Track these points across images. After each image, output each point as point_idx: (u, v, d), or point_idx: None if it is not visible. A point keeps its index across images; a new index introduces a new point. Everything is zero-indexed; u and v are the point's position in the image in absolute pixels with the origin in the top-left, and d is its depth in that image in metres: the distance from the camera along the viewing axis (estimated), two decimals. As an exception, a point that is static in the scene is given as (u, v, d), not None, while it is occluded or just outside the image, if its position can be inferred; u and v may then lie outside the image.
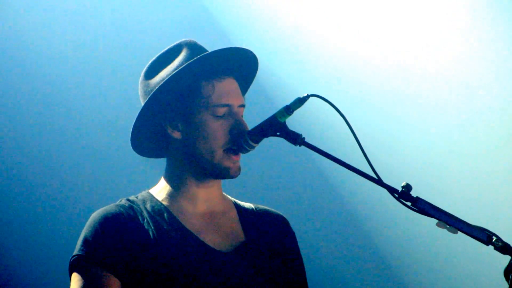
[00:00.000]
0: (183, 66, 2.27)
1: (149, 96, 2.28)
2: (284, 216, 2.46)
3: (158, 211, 2.26)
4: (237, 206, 2.41)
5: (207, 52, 2.30)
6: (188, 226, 2.26)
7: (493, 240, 1.97)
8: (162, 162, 2.38)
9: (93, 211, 2.26)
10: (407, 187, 2.03)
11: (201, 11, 4.49)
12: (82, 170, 4.32)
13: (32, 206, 4.25)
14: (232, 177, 2.30)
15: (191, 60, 2.28)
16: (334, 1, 4.60)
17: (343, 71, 4.60)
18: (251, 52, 2.35)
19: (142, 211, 2.25)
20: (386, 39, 4.57)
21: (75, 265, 2.18)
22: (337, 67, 4.60)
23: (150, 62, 2.35)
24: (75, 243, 2.21)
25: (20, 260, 4.22)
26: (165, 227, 2.23)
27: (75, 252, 2.19)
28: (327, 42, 4.58)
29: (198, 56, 2.28)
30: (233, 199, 2.42)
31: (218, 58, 2.30)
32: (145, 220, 2.23)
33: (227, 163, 2.26)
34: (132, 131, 2.32)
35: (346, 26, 4.58)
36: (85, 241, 2.19)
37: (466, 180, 4.50)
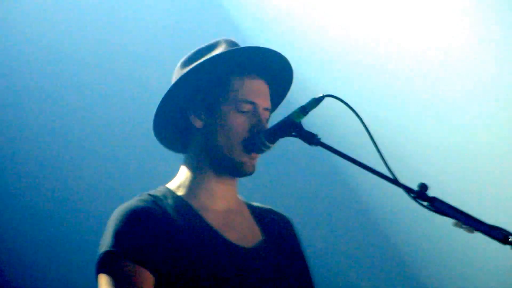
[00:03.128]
0: (216, 55, 2.29)
1: (174, 82, 2.30)
2: (288, 216, 2.48)
3: (180, 206, 2.26)
4: (248, 205, 2.42)
5: (239, 47, 2.32)
6: (210, 222, 2.26)
7: (510, 240, 1.97)
8: (167, 165, 2.38)
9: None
10: (424, 187, 2.02)
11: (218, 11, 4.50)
12: (94, 171, 4.32)
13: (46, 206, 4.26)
14: (246, 174, 2.31)
15: (225, 51, 2.29)
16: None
17: (358, 69, 4.60)
18: (288, 62, 2.36)
19: (165, 206, 2.25)
20: (403, 36, 4.56)
21: (105, 262, 2.14)
22: (352, 66, 4.59)
23: (189, 53, 2.37)
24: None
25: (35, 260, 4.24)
26: (188, 222, 2.23)
27: (104, 248, 2.15)
28: (342, 41, 4.58)
29: (233, 48, 2.30)
30: (243, 198, 2.43)
31: (251, 57, 2.32)
32: (169, 215, 2.23)
33: (243, 159, 2.27)
34: (155, 114, 2.33)
35: (362, 23, 4.58)
36: (115, 236, 2.15)
37: (482, 178, 4.48)
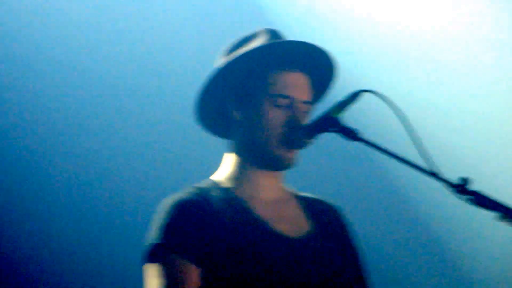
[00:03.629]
0: (250, 50, 2.28)
1: (213, 72, 2.30)
2: (338, 206, 2.46)
3: (226, 198, 2.26)
4: (296, 195, 2.41)
5: (278, 41, 2.30)
6: (257, 213, 2.25)
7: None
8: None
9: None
10: (465, 181, 2.01)
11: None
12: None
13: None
14: (285, 169, 2.30)
15: (262, 45, 2.28)
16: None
17: (400, 61, 4.57)
18: (329, 56, 2.33)
19: (212, 198, 2.25)
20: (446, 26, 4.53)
21: (154, 254, 2.16)
22: (392, 60, 4.57)
23: (233, 40, 2.36)
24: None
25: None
26: (235, 214, 2.23)
27: (153, 240, 2.17)
28: (385, 34, 4.56)
29: (268, 43, 2.29)
30: (289, 189, 2.42)
31: (290, 49, 2.30)
32: (216, 207, 2.23)
33: (281, 153, 2.26)
34: (196, 102, 2.33)
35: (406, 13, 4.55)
36: (162, 228, 2.17)
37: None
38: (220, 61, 2.34)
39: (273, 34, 2.34)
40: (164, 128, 4.34)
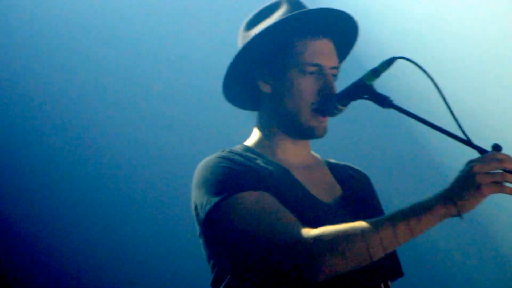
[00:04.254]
0: (276, 22, 2.27)
1: (240, 48, 2.30)
2: (366, 173, 2.48)
3: (264, 160, 2.27)
4: (326, 161, 2.43)
5: (303, 10, 2.29)
6: (296, 177, 2.26)
7: None
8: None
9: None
10: (497, 148, 2.01)
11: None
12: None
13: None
14: (317, 137, 2.31)
15: (285, 16, 2.28)
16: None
17: (433, 34, 4.54)
18: (352, 17, 2.33)
19: (248, 157, 2.24)
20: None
21: (223, 210, 2.08)
22: (425, 27, 4.54)
23: (252, 14, 2.36)
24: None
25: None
26: (276, 174, 2.22)
27: (213, 202, 2.10)
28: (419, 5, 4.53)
29: (293, 13, 2.27)
30: (318, 155, 2.43)
31: (314, 17, 2.29)
32: (255, 163, 2.23)
33: (313, 122, 2.27)
34: (224, 80, 2.33)
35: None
36: (217, 183, 2.12)
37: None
38: (242, 35, 2.34)
39: (294, 2, 2.33)
40: (168, 127, 4.34)
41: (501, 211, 4.51)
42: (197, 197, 2.17)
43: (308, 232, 2.01)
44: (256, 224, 2.05)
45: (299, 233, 2.01)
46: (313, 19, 2.29)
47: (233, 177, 2.13)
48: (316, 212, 2.18)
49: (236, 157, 2.21)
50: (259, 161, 2.24)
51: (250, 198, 2.08)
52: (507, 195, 1.95)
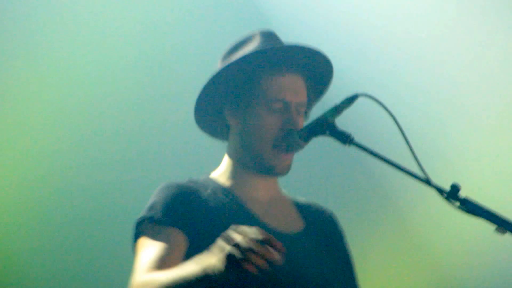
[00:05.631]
0: (240, 57, 2.28)
1: (208, 80, 2.30)
2: (332, 211, 2.47)
3: (220, 192, 2.28)
4: (292, 199, 2.43)
5: (269, 47, 2.29)
6: (250, 208, 2.27)
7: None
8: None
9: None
10: (456, 188, 2.03)
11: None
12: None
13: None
14: (279, 175, 2.31)
15: (252, 52, 2.28)
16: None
17: (393, 70, 4.58)
18: (324, 56, 2.33)
19: (205, 189, 2.27)
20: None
21: (143, 228, 2.18)
22: (387, 66, 4.58)
23: (230, 44, 2.37)
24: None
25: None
26: (227, 205, 2.24)
27: (141, 215, 2.20)
28: (381, 39, 4.56)
29: (261, 49, 2.28)
30: (285, 192, 2.43)
31: (283, 53, 2.29)
32: (209, 196, 2.25)
33: (274, 160, 2.27)
34: (196, 108, 2.34)
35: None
36: (152, 205, 2.20)
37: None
38: (218, 65, 2.34)
39: (267, 37, 2.33)
40: (168, 131, 4.33)
41: (435, 217, 4.54)
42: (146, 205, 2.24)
43: (135, 279, 2.07)
44: (139, 256, 2.14)
45: (134, 279, 2.08)
46: (281, 55, 2.29)
47: (165, 209, 2.18)
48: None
49: (191, 189, 2.23)
50: (213, 194, 2.25)
51: (159, 233, 2.15)
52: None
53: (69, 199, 4.18)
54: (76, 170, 4.18)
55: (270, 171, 2.29)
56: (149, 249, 2.12)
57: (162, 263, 2.07)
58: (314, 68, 2.34)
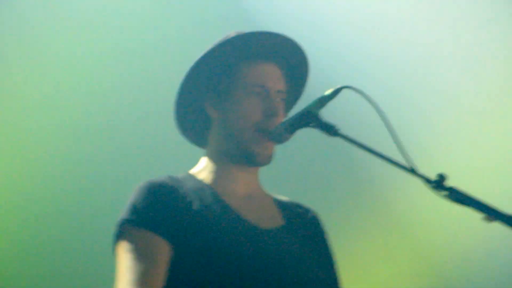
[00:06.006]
0: (221, 42, 2.29)
1: (186, 72, 2.30)
2: (315, 211, 2.47)
3: (199, 187, 2.27)
4: (273, 197, 2.42)
5: (248, 32, 2.31)
6: (229, 203, 2.26)
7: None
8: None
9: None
10: (442, 177, 2.03)
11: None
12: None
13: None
14: (260, 164, 2.31)
15: (231, 37, 2.29)
16: None
17: (376, 58, 4.59)
18: (298, 45, 2.35)
19: (185, 185, 2.25)
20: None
21: (123, 231, 2.16)
22: (371, 55, 4.58)
23: (207, 48, 2.37)
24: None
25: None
26: (207, 201, 2.23)
27: (121, 218, 2.17)
28: (365, 34, 4.57)
29: (239, 34, 2.30)
30: (266, 190, 2.43)
31: (260, 42, 2.31)
32: (188, 193, 2.23)
33: (257, 147, 2.27)
34: (175, 110, 2.34)
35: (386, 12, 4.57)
36: (132, 206, 2.17)
37: (502, 170, 4.47)
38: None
39: (241, 32, 2.34)
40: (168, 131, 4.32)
41: (420, 208, 4.55)
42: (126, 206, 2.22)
43: None
44: (122, 266, 2.12)
45: None
46: (257, 44, 2.30)
47: (143, 211, 2.16)
48: (246, 235, 2.17)
49: (171, 188, 2.22)
50: (193, 190, 2.24)
51: (138, 240, 2.14)
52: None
53: (69, 199, 4.18)
54: (76, 170, 4.18)
55: (252, 158, 2.28)
56: (132, 260, 2.11)
57: (147, 279, 2.08)
58: (290, 58, 2.36)
